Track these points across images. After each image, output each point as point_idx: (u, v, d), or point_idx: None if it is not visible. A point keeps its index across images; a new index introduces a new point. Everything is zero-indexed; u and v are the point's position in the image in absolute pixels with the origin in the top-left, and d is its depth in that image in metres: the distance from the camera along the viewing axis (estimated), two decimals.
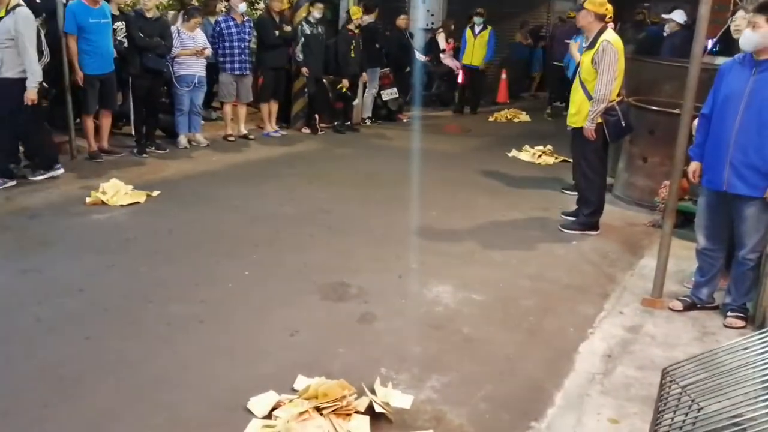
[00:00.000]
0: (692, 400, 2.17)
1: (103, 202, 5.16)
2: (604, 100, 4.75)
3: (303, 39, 8.08)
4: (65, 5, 6.12)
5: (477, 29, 10.53)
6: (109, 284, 3.84)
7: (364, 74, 8.82)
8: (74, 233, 4.63)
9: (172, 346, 3.20)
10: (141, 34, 6.50)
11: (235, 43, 7.49)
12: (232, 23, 7.50)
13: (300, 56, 8.17)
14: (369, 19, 8.93)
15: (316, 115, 8.56)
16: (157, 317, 3.47)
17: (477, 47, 10.50)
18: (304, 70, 8.22)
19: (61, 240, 4.48)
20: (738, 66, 3.47)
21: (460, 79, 11.09)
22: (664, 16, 8.63)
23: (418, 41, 10.40)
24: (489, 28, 10.52)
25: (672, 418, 2.22)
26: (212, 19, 8.25)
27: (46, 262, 4.10)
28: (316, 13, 8.17)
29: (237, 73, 7.59)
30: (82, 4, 6.13)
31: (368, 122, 9.47)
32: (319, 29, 8.25)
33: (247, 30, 7.61)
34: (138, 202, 5.27)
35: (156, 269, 4.08)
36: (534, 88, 13.75)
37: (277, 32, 7.78)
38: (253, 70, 7.95)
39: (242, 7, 7.69)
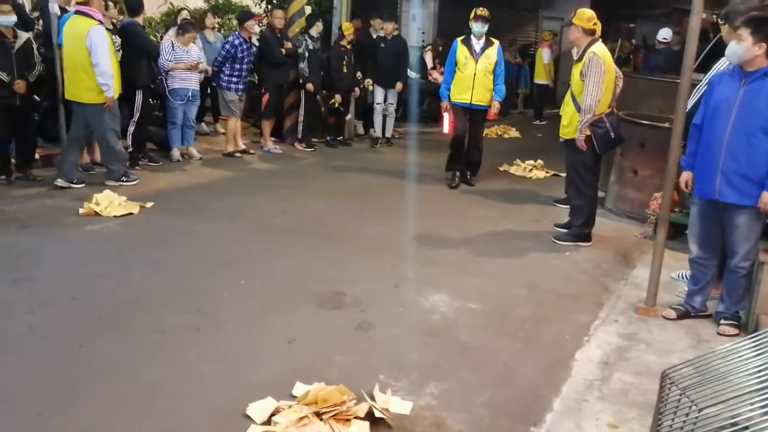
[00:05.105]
0: (692, 402, 2.18)
1: (96, 213, 5.13)
2: (591, 110, 4.82)
3: (307, 54, 8.06)
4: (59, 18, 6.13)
5: (478, 46, 6.50)
6: (102, 293, 3.80)
7: (357, 89, 8.85)
8: (67, 243, 4.60)
9: (166, 353, 3.17)
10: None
11: (245, 65, 7.52)
12: (245, 45, 7.45)
13: (306, 72, 8.09)
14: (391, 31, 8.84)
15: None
16: (151, 325, 3.43)
17: (480, 74, 6.48)
18: (309, 86, 8.13)
19: (54, 250, 4.44)
20: (728, 77, 3.53)
21: (446, 128, 6.87)
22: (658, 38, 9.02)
23: (411, 59, 10.38)
24: (495, 42, 6.63)
25: (672, 420, 2.23)
26: (209, 36, 8.27)
27: (38, 271, 4.05)
28: (314, 31, 8.19)
29: (240, 94, 7.62)
30: None
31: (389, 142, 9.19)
32: (317, 45, 8.30)
33: (252, 50, 7.62)
34: (131, 213, 5.24)
35: (149, 278, 4.05)
36: (522, 104, 13.92)
37: (283, 50, 7.82)
38: (253, 87, 7.97)
39: (256, 28, 7.72)
